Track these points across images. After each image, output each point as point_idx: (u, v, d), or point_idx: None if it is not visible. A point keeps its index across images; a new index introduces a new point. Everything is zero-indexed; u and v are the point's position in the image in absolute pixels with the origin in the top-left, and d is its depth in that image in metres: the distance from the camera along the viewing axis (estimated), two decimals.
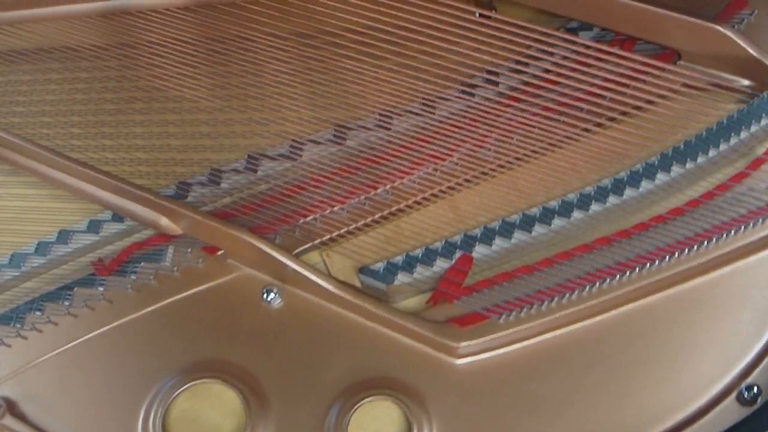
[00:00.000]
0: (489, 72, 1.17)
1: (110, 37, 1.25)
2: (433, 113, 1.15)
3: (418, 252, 1.09)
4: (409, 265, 1.08)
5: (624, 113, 1.12)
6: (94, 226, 1.15)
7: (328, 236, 1.11)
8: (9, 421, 1.05)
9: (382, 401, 1.04)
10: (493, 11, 1.19)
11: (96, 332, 1.09)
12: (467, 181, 1.13)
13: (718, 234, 1.06)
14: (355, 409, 1.03)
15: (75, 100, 1.22)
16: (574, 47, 1.14)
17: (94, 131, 1.20)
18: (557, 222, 1.10)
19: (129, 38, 1.25)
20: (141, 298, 1.11)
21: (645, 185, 1.10)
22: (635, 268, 1.05)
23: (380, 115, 1.16)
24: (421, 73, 1.15)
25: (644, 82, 1.12)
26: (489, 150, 1.13)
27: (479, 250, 1.09)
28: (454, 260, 1.08)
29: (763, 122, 1.12)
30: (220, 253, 1.11)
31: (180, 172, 1.16)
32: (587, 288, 1.05)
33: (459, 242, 1.09)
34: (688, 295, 1.07)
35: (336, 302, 1.08)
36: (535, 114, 1.13)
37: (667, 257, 1.05)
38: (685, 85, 1.13)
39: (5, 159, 1.19)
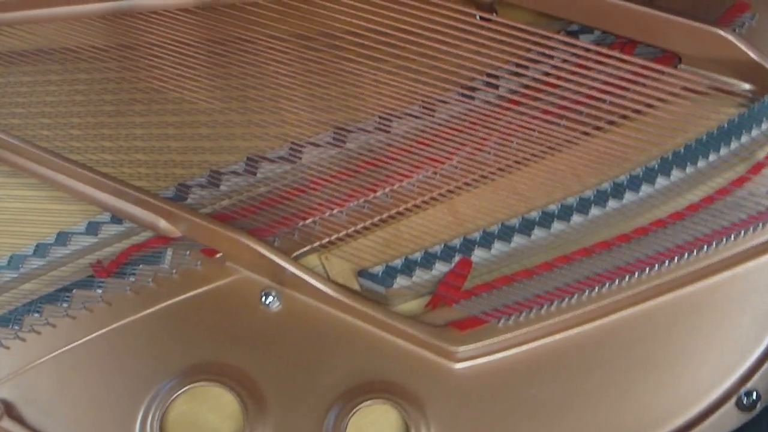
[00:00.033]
0: (489, 75, 1.16)
1: (110, 39, 1.25)
2: (433, 116, 1.15)
3: (417, 255, 1.09)
4: (408, 268, 1.08)
5: (624, 117, 1.12)
6: (92, 228, 1.15)
7: (327, 239, 1.11)
8: (7, 423, 1.05)
9: (381, 405, 1.04)
10: (494, 14, 1.19)
11: (94, 334, 1.09)
12: (467, 184, 1.12)
13: (719, 238, 1.06)
14: (354, 413, 1.03)
15: (74, 102, 1.22)
16: (574, 50, 1.14)
17: (93, 133, 1.20)
18: (557, 226, 1.09)
19: (129, 40, 1.24)
20: (139, 300, 1.10)
21: (645, 189, 1.10)
22: (635, 273, 1.05)
23: (380, 117, 1.16)
24: (421, 75, 1.15)
25: (644, 85, 1.12)
26: (489, 153, 1.13)
27: (478, 254, 1.09)
28: (453, 264, 1.08)
29: (764, 126, 1.12)
30: (218, 255, 1.11)
31: (179, 174, 1.16)
32: (587, 292, 1.05)
33: (458, 246, 1.09)
34: (688, 300, 1.06)
35: (334, 305, 1.08)
36: (535, 117, 1.13)
37: (667, 261, 1.05)
38: (685, 88, 1.12)
39: (4, 160, 1.19)
